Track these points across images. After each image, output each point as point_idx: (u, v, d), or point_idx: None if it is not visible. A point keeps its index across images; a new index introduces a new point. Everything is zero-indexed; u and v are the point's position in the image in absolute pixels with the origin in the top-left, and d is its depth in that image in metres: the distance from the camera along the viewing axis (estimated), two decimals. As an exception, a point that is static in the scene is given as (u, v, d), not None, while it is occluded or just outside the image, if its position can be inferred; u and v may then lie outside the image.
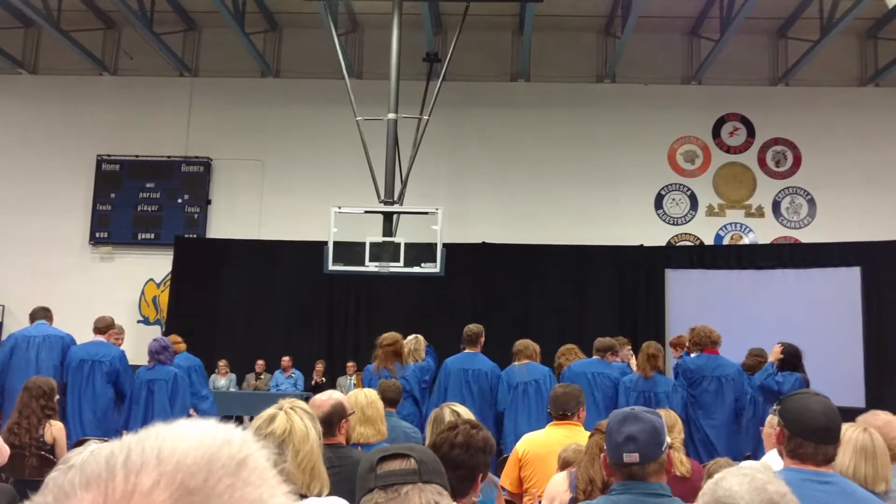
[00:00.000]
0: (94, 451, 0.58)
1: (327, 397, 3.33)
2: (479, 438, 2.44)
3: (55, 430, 5.53)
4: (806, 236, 13.81)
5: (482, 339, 7.39)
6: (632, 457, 2.32)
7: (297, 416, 2.41)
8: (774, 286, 12.66)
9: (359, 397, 4.04)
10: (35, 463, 5.33)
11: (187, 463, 0.57)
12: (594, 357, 7.38)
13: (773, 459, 3.41)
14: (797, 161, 14.21)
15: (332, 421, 3.22)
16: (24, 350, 7.33)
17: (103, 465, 0.57)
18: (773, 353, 7.19)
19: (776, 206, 14.15)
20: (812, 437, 2.45)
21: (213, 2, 11.95)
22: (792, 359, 7.07)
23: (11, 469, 5.14)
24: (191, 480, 0.56)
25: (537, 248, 13.37)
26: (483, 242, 13.48)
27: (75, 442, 6.13)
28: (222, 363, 12.65)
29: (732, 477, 1.69)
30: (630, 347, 8.77)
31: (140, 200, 14.28)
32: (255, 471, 0.59)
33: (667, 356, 8.08)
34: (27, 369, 6.97)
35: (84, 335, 7.80)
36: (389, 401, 5.11)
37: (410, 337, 7.40)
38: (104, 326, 7.61)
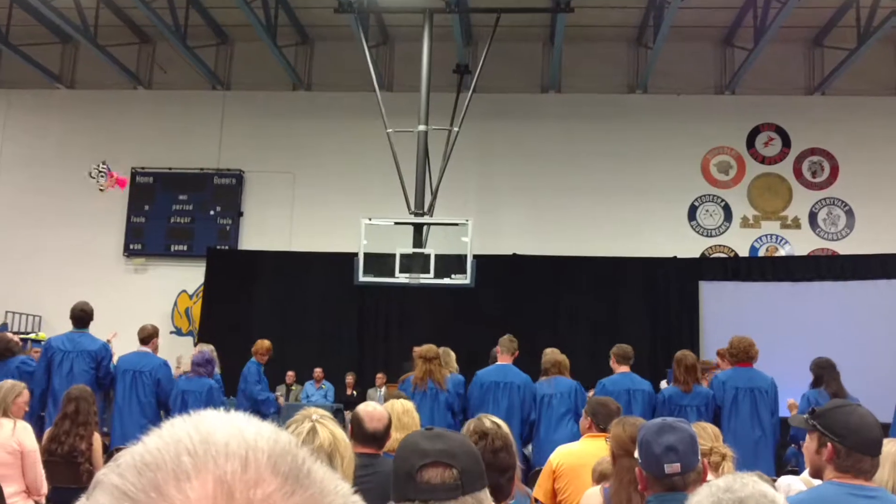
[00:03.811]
0: (161, 444, 0.53)
1: (381, 410, 3.42)
2: (505, 434, 2.50)
3: (94, 438, 5.56)
4: (844, 248, 13.54)
5: (517, 352, 7.24)
6: (673, 467, 2.27)
7: (332, 426, 2.40)
8: (812, 299, 12.43)
9: (395, 405, 4.16)
10: (88, 468, 5.31)
11: (265, 447, 0.54)
12: (622, 368, 7.06)
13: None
14: (834, 171, 13.96)
15: (387, 433, 3.35)
16: (58, 364, 7.15)
17: (201, 453, 0.52)
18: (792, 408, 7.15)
19: (813, 217, 13.90)
20: (871, 452, 2.39)
21: (245, 16, 12.07)
22: (818, 370, 6.89)
23: (54, 477, 5.09)
24: (283, 464, 0.54)
25: (568, 260, 13.26)
26: (514, 254, 13.41)
27: (112, 450, 6.15)
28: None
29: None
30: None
31: (173, 213, 14.44)
32: (304, 450, 0.58)
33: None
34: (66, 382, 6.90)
35: (118, 347, 7.86)
36: None
37: (440, 349, 7.35)
38: (146, 336, 7.55)
